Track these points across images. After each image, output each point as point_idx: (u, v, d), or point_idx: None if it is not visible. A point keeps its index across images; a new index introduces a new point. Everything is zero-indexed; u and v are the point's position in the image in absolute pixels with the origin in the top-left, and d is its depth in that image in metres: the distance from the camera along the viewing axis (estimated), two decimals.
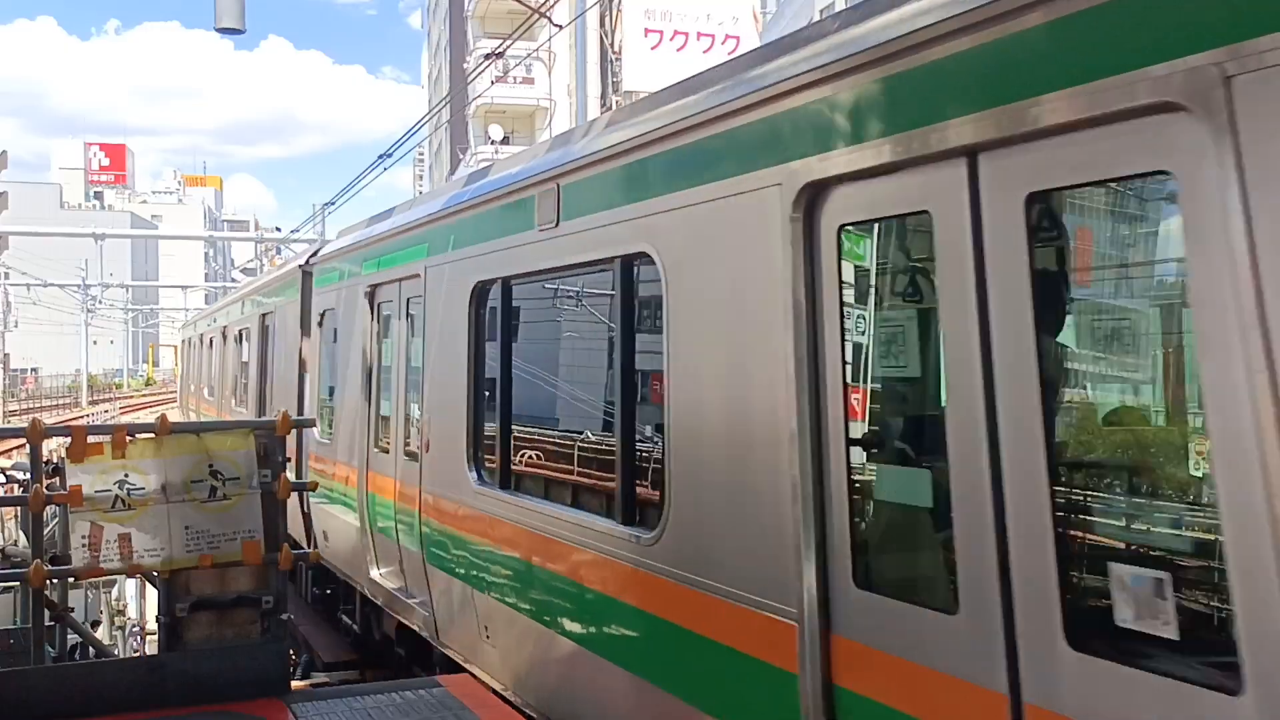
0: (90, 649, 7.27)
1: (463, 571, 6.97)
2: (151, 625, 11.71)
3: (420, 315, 8.08)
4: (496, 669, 6.66)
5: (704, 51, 38.01)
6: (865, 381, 4.09)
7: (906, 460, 3.98)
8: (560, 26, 17.45)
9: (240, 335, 15.88)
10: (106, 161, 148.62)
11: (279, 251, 39.81)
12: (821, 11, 27.13)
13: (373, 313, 9.48)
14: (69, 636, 6.95)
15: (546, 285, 6.62)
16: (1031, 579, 3.15)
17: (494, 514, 6.53)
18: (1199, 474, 2.90)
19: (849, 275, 4.06)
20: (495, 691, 6.14)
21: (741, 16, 40.03)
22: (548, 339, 7.04)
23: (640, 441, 5.36)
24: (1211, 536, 2.82)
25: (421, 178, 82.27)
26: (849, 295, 4.05)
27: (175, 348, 54.57)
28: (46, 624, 5.72)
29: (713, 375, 4.71)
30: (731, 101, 4.55)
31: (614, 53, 40.40)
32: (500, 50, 16.48)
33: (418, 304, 8.26)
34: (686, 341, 4.93)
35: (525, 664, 6.21)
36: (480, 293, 7.15)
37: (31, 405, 62.21)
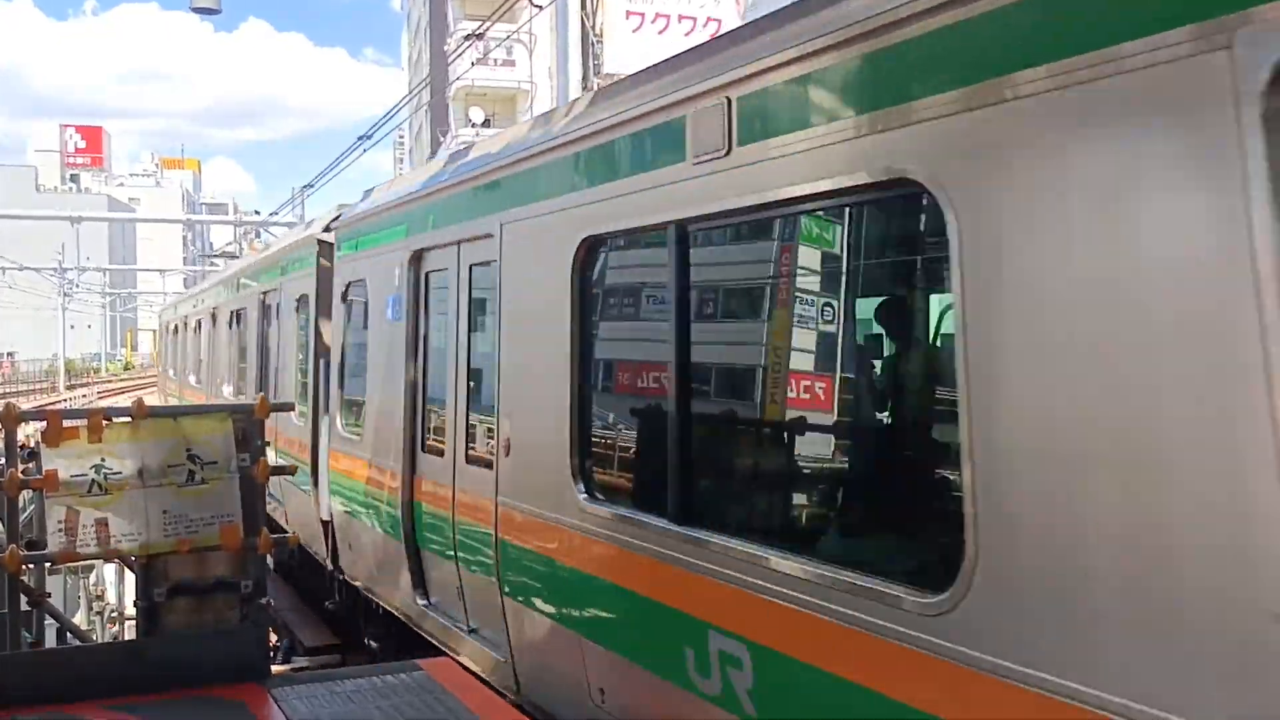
0: (68, 635, 7.23)
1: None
2: (130, 611, 11.65)
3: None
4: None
5: (685, 34, 37.83)
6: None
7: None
8: (541, 7, 17.36)
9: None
10: (83, 144, 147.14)
11: (258, 235, 39.53)
12: None
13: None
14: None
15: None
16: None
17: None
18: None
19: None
20: (475, 674, 6.15)
21: None
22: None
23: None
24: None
25: (402, 160, 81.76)
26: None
27: (153, 333, 54.15)
28: (23, 610, 5.68)
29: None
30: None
31: (595, 35, 40.22)
32: (480, 32, 16.37)
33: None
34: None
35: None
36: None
37: (8, 390, 61.71)
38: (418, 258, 7.82)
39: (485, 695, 5.45)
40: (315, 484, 10.27)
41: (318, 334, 10.36)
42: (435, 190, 7.61)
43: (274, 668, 6.47)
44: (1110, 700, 2.71)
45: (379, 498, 8.36)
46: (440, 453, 7.37)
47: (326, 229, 10.53)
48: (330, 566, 10.05)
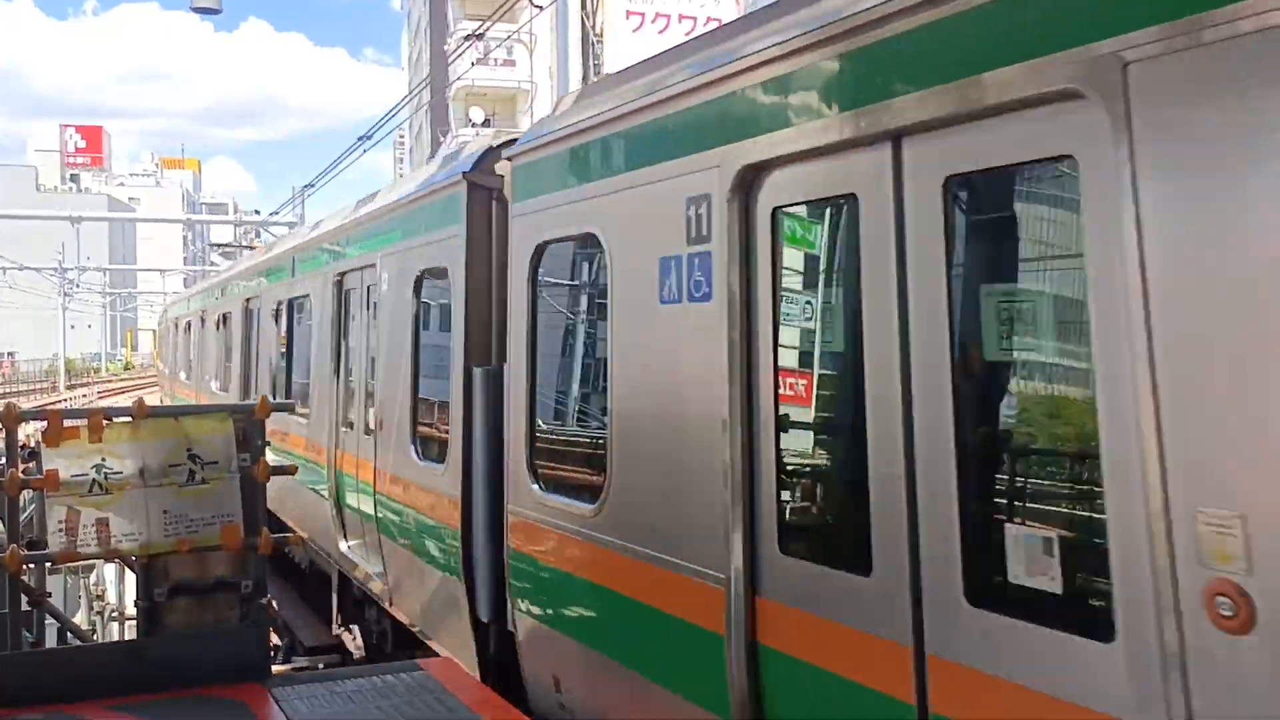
0: (68, 635, 7.23)
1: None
2: (130, 611, 11.65)
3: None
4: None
5: (686, 34, 37.84)
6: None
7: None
8: (541, 8, 17.37)
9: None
10: (83, 144, 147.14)
11: (259, 234, 39.57)
12: None
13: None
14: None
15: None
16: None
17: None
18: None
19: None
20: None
21: None
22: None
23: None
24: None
25: (402, 160, 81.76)
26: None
27: (153, 332, 54.18)
28: (23, 609, 5.68)
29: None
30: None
31: (595, 35, 40.20)
32: (480, 31, 16.38)
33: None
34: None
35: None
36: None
37: (8, 390, 61.72)
38: (746, 185, 4.24)
39: (485, 695, 5.45)
40: (466, 565, 6.67)
41: (470, 328, 6.88)
42: (806, 46, 3.91)
43: (274, 668, 6.46)
44: None
45: (655, 624, 4.83)
46: (839, 561, 3.83)
47: (478, 163, 6.93)
48: None
